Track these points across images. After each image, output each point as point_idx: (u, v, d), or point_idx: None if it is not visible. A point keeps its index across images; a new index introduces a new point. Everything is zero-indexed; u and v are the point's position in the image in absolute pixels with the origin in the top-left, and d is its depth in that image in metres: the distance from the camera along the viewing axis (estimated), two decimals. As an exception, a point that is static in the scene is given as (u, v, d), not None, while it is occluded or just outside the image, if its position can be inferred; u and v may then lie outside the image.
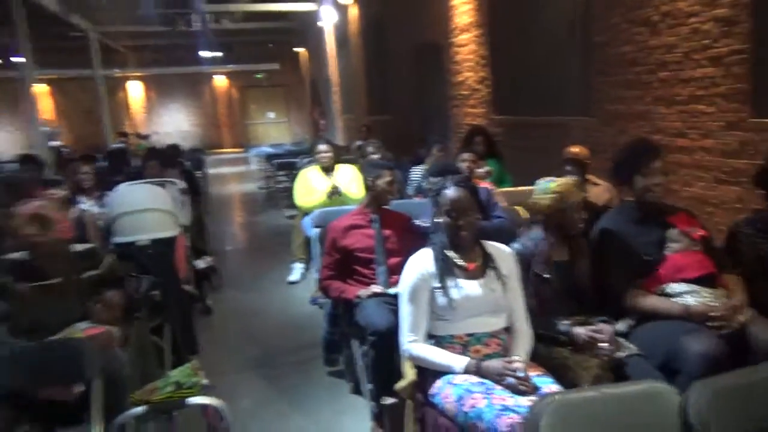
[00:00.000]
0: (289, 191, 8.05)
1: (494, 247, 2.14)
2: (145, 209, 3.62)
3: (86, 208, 4.05)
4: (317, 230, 3.57)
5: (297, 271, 5.17)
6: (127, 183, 4.14)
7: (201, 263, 4.57)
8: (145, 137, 15.05)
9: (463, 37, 6.87)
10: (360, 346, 2.80)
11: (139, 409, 2.02)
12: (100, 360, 2.04)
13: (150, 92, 19.27)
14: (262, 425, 2.89)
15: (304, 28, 15.28)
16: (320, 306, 4.15)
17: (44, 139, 9.96)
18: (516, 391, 1.84)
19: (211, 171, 12.23)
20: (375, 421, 2.65)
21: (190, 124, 19.52)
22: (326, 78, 13.34)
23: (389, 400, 2.47)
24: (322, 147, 5.02)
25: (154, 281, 3.02)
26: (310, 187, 4.78)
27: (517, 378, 1.85)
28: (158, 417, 2.22)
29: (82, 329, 2.31)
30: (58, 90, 16.03)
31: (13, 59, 14.02)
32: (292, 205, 6.04)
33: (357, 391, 2.99)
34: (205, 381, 2.37)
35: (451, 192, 2.07)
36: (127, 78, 18.57)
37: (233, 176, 13.35)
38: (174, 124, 19.03)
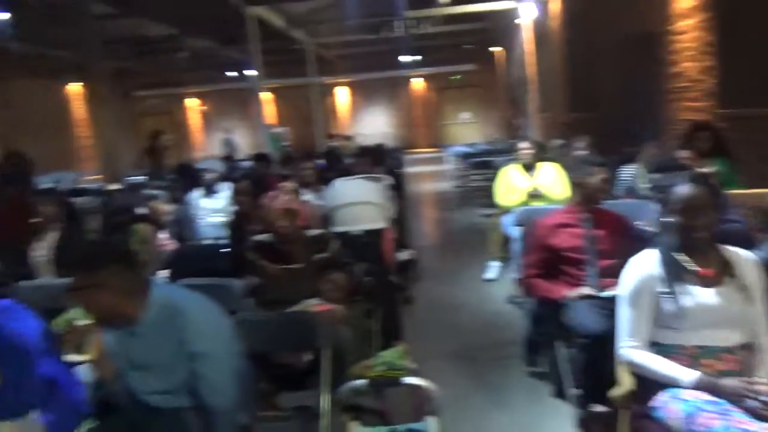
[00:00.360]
0: (484, 190, 8.09)
1: (735, 253, 1.92)
2: (359, 202, 3.94)
3: (308, 199, 4.53)
4: (519, 228, 3.55)
5: (494, 268, 5.17)
6: (342, 178, 4.54)
7: (403, 255, 4.81)
8: (350, 138, 16.26)
9: (684, 24, 6.21)
10: (566, 349, 2.72)
11: (362, 382, 2.22)
12: (330, 333, 2.28)
13: (355, 97, 20.82)
14: (462, 415, 2.96)
15: (501, 27, 15.17)
16: (518, 305, 4.11)
17: (276, 139, 11.31)
18: (760, 416, 1.64)
19: (407, 170, 12.76)
20: (580, 428, 2.55)
21: (389, 126, 20.62)
22: (523, 76, 13.09)
23: (598, 408, 2.36)
24: (524, 144, 4.95)
25: (367, 268, 3.27)
26: (511, 185, 4.75)
27: (762, 402, 1.65)
28: (374, 392, 2.41)
29: (313, 305, 2.61)
30: (279, 97, 18.12)
31: (245, 72, 16.23)
32: (488, 204, 6.04)
33: (560, 395, 2.90)
34: (413, 365, 2.52)
35: (684, 189, 1.90)
36: (336, 84, 20.27)
37: (427, 175, 13.78)
38: (374, 126, 20.26)
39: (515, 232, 3.72)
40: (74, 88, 16.52)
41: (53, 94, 16.10)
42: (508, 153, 7.77)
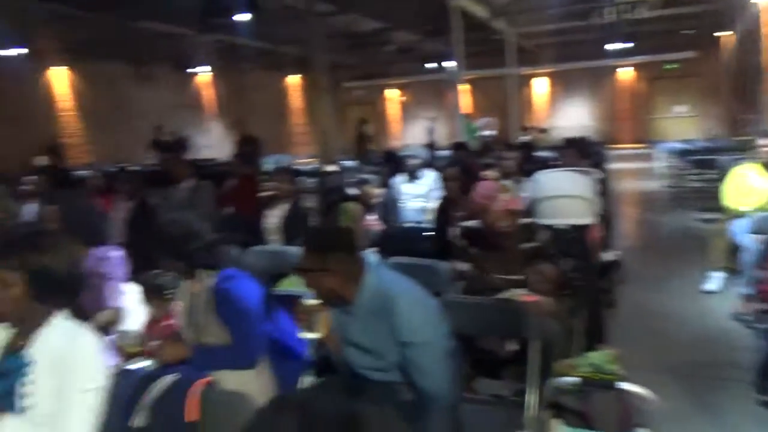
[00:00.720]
0: (703, 191, 7.23)
1: None
2: (566, 195, 3.78)
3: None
4: (757, 237, 3.12)
5: (716, 279, 4.59)
6: (546, 170, 4.39)
7: (608, 255, 4.50)
8: (544, 131, 15.70)
9: None
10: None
11: (571, 380, 2.13)
12: (540, 325, 2.23)
13: (554, 88, 19.98)
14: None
15: (730, 9, 13.30)
16: (748, 324, 3.60)
17: (473, 130, 11.38)
18: None
19: (610, 166, 11.92)
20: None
21: (589, 119, 19.43)
22: (757, 64, 11.35)
23: None
24: (765, 140, 4.29)
25: (574, 264, 3.12)
26: (748, 187, 4.15)
27: None
28: (580, 392, 2.30)
29: (519, 295, 2.57)
30: (476, 88, 18.13)
31: (444, 64, 16.53)
32: (709, 207, 5.39)
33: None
34: (623, 371, 2.35)
35: None
36: (534, 75, 19.64)
37: (632, 172, 12.73)
38: (573, 119, 19.24)
39: (749, 240, 3.27)
40: (292, 80, 18.40)
41: (275, 85, 18.12)
42: (735, 151, 6.85)
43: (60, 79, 12.05)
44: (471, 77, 17.22)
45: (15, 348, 1.75)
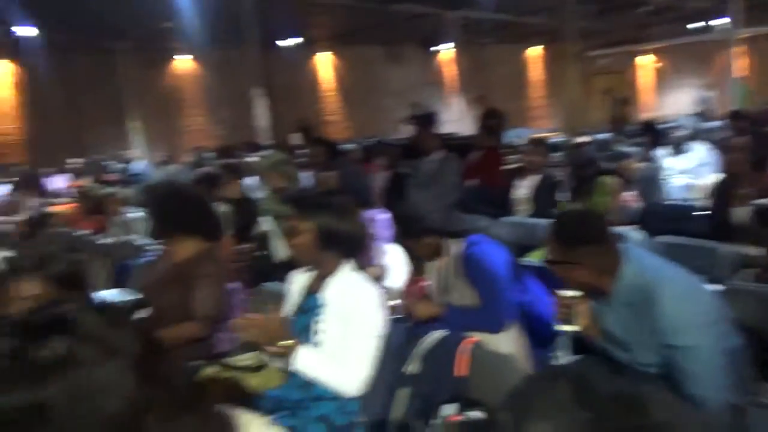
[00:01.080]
0: None
1: None
2: None
3: None
4: None
5: None
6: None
7: None
8: None
9: None
10: None
11: None
12: None
13: None
14: None
15: None
16: None
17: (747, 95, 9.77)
18: None
19: None
20: None
21: None
22: None
23: None
24: None
25: None
26: None
27: None
28: None
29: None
30: (753, 48, 15.29)
31: (711, 23, 14.30)
32: None
33: None
34: None
35: None
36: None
37: None
38: None
39: None
40: (532, 52, 17.86)
41: (514, 58, 17.82)
42: None
43: (325, 64, 13.60)
44: (747, 35, 14.62)
45: (314, 290, 2.03)
